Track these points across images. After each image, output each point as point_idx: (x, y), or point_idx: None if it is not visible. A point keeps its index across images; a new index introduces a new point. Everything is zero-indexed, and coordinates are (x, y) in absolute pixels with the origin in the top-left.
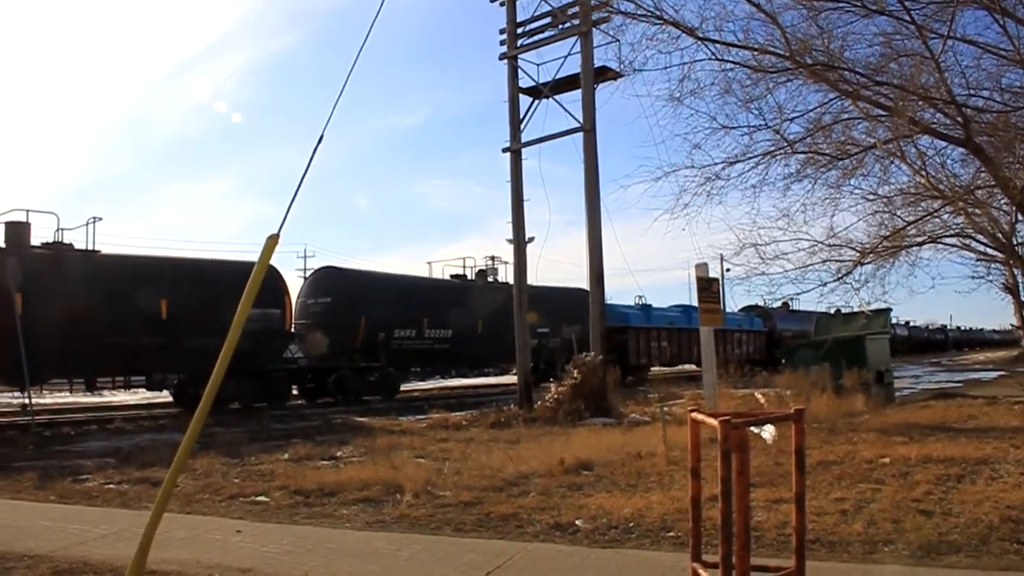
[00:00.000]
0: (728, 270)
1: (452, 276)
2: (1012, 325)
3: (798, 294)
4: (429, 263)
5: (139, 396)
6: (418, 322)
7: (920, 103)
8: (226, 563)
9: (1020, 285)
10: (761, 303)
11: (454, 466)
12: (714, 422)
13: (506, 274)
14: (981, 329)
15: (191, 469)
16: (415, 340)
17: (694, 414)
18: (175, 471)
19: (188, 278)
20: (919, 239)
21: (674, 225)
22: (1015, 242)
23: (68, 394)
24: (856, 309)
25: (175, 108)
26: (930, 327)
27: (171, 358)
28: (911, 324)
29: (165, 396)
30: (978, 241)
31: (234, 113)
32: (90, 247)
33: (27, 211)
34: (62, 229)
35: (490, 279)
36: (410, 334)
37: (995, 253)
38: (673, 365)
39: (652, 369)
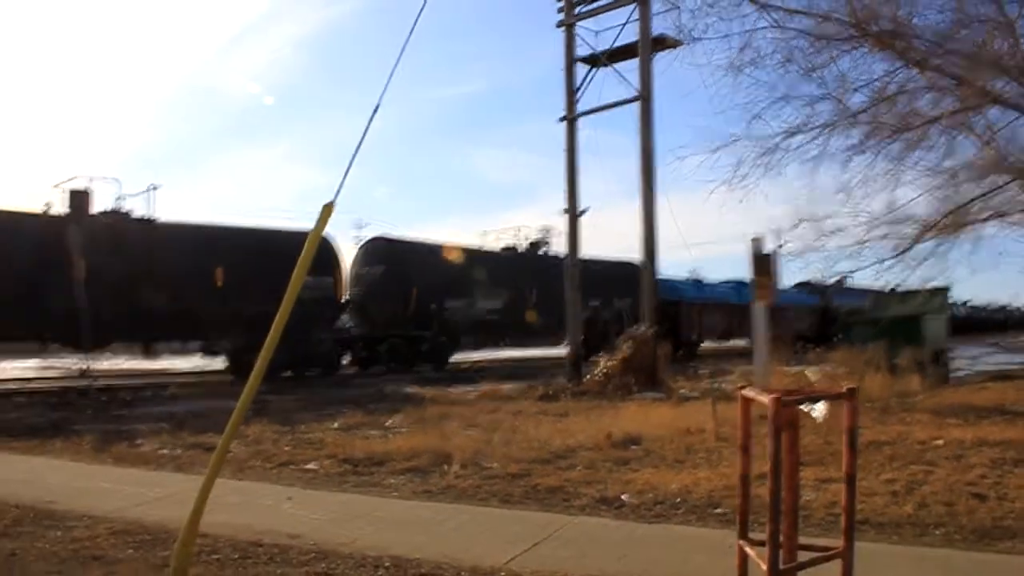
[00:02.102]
0: (783, 244)
1: (505, 247)
2: None
3: (855, 270)
4: (483, 233)
5: (194, 363)
6: (469, 292)
7: (991, 72)
8: (276, 528)
9: None
10: (816, 279)
11: (503, 437)
12: (765, 399)
13: (559, 245)
14: None
15: (243, 436)
16: (466, 310)
17: (744, 391)
18: (228, 437)
19: (244, 246)
20: (984, 215)
21: (731, 198)
22: None
23: (126, 360)
24: (914, 287)
25: (234, 76)
26: (990, 307)
27: (226, 325)
28: (970, 303)
29: (220, 363)
30: None
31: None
32: (149, 214)
33: (90, 178)
34: (123, 196)
35: (542, 250)
36: (461, 304)
37: None
38: (725, 340)
39: (703, 344)
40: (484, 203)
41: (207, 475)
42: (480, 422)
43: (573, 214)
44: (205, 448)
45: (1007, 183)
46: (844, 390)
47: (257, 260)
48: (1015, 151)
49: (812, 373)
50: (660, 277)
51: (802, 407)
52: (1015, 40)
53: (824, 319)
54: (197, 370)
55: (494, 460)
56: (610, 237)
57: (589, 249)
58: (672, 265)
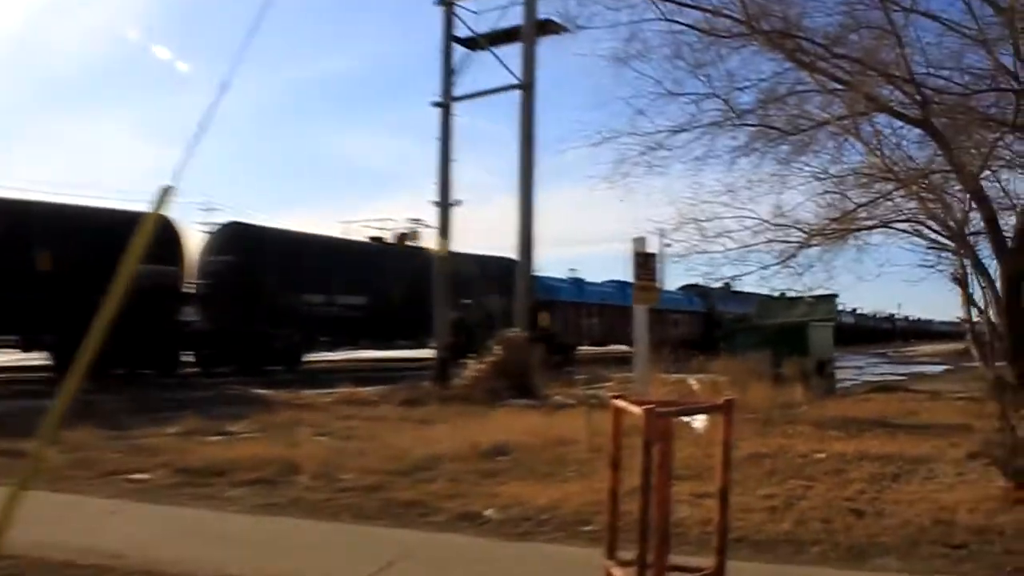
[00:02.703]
0: (668, 246)
1: (370, 239)
2: (958, 318)
3: (739, 276)
4: (347, 223)
5: (14, 357)
6: (329, 287)
7: (879, 79)
8: (96, 547)
9: (969, 277)
10: (702, 283)
11: (359, 446)
12: (638, 410)
13: (430, 239)
14: (929, 320)
15: (63, 441)
16: (325, 306)
17: (616, 401)
18: (43, 442)
19: (74, 227)
20: (869, 222)
21: (612, 195)
22: (967, 231)
23: None
24: (801, 294)
25: (73, 32)
26: (877, 316)
27: (50, 315)
28: (858, 312)
29: (46, 358)
30: (930, 228)
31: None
32: None
33: None
34: None
35: (411, 244)
36: (319, 299)
37: (946, 242)
38: (604, 345)
39: (581, 348)
40: (350, 191)
41: (15, 486)
42: (335, 429)
43: (445, 206)
44: (14, 455)
45: (891, 192)
46: (722, 401)
47: (90, 243)
48: (900, 160)
49: (694, 382)
50: (537, 275)
51: (683, 419)
52: (901, 49)
53: (709, 325)
54: (14, 365)
55: (348, 471)
56: (486, 233)
57: (463, 244)
58: (551, 264)
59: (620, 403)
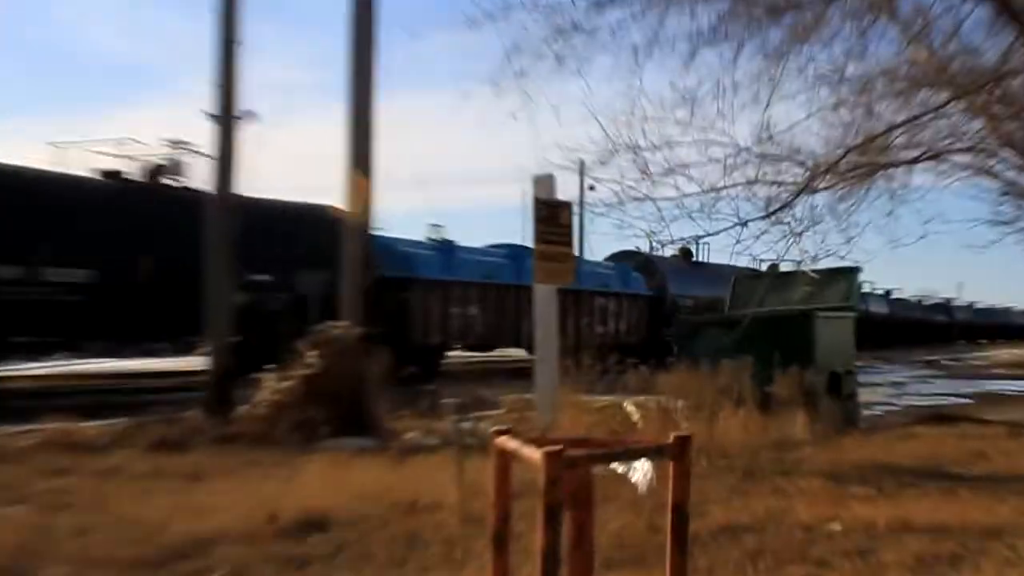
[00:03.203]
0: (591, 188)
1: (102, 173)
2: None
3: (703, 237)
4: (60, 145)
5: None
6: (27, 253)
7: None
8: None
9: None
10: (644, 249)
11: (77, 522)
12: (537, 454)
13: (200, 173)
14: (1007, 309)
15: None
16: (22, 286)
17: (503, 439)
18: None
19: None
20: (909, 153)
21: (500, 108)
22: None
23: None
24: (801, 267)
25: None
26: (925, 302)
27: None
28: (895, 295)
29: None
30: (1006, 162)
31: None
32: None
33: None
34: None
35: (172, 182)
36: (12, 274)
37: None
38: (488, 348)
39: (452, 354)
40: (77, 91)
41: None
42: (35, 493)
43: (227, 120)
44: None
45: (945, 104)
46: (671, 440)
47: None
48: (959, 54)
49: (633, 408)
50: (381, 237)
51: (613, 467)
52: None
53: (657, 316)
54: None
55: (58, 564)
56: (296, 166)
57: (257, 184)
58: (405, 219)
59: (510, 443)
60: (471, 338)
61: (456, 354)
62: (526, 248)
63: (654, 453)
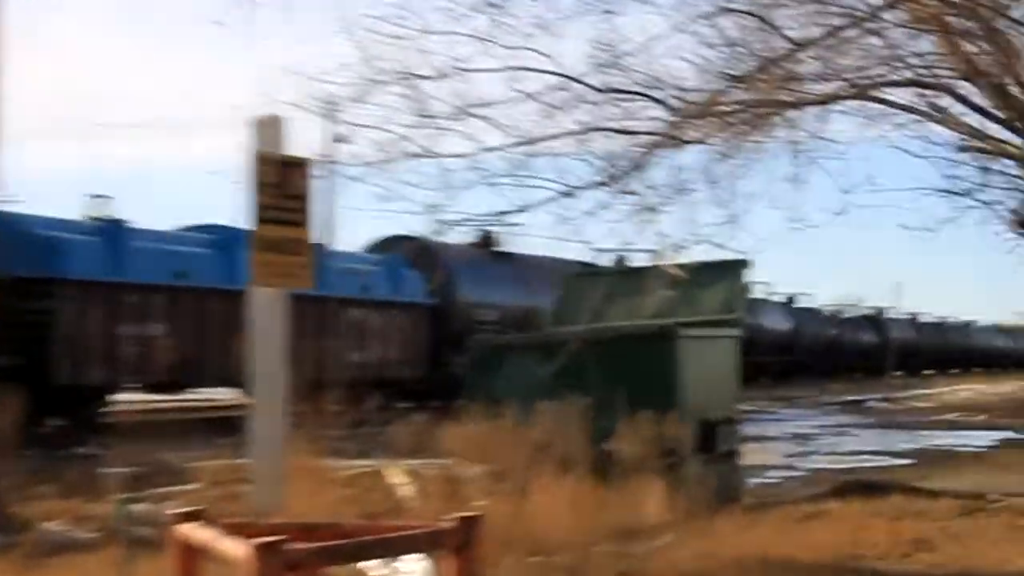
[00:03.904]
0: (343, 139)
1: None
2: None
3: (513, 213)
4: None
5: None
6: None
7: None
8: None
9: None
10: (424, 233)
11: None
12: (240, 550)
13: None
14: (966, 324)
15: None
16: None
17: (188, 528)
18: None
19: None
20: (824, 88)
21: (200, 16)
22: None
23: None
24: (659, 259)
25: None
26: (847, 313)
27: None
28: (799, 303)
29: None
30: (968, 104)
31: None
32: None
33: None
34: None
35: None
36: None
37: (1009, 137)
38: (180, 388)
39: (122, 397)
40: None
41: None
42: None
43: None
44: None
45: (877, 11)
46: (453, 523)
47: None
48: None
49: (399, 476)
50: (6, 213)
51: (368, 570)
52: None
53: (441, 335)
54: None
55: None
56: None
57: None
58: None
59: (199, 533)
60: (153, 373)
61: (129, 397)
62: (240, 232)
63: (427, 545)
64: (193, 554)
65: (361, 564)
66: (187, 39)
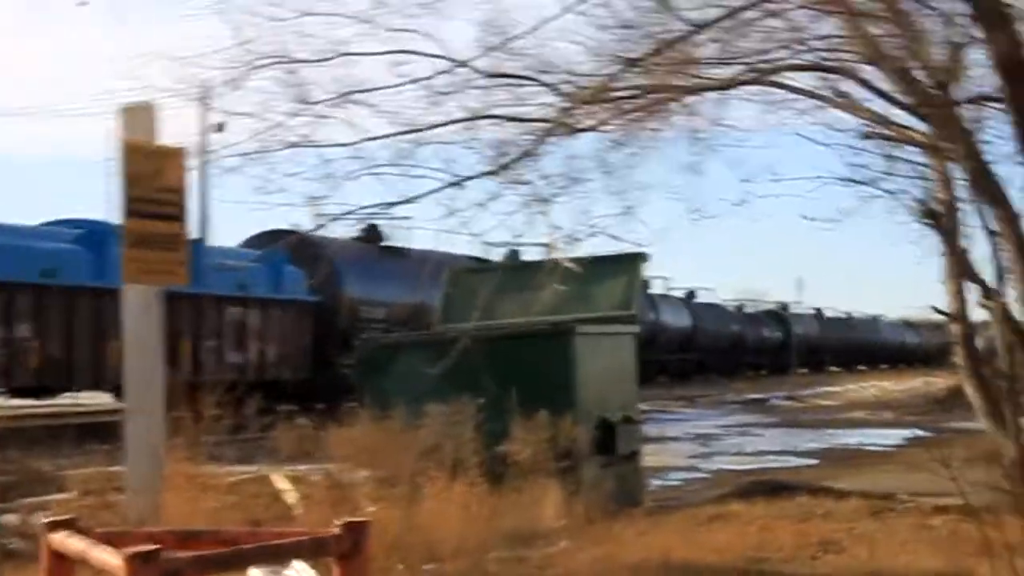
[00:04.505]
0: (219, 128)
1: None
2: (936, 310)
3: (399, 204)
4: None
5: None
6: None
7: None
8: None
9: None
10: (305, 227)
11: None
12: (114, 560)
13: None
14: (873, 319)
15: None
16: None
17: (60, 537)
18: None
19: None
20: (723, 73)
21: None
22: (953, 96)
23: None
24: (551, 252)
25: None
26: (749, 308)
27: None
28: (699, 299)
29: None
30: (870, 87)
31: None
32: None
33: None
34: None
35: None
36: None
37: (915, 123)
38: (50, 392)
39: None
40: None
41: None
42: None
43: None
44: None
45: None
46: (340, 529)
47: None
48: None
49: (283, 483)
50: None
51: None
52: None
53: (325, 335)
54: None
55: None
56: None
57: None
58: None
59: (72, 543)
60: (19, 376)
61: None
62: (111, 227)
63: (312, 552)
64: (66, 565)
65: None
66: (50, 18)
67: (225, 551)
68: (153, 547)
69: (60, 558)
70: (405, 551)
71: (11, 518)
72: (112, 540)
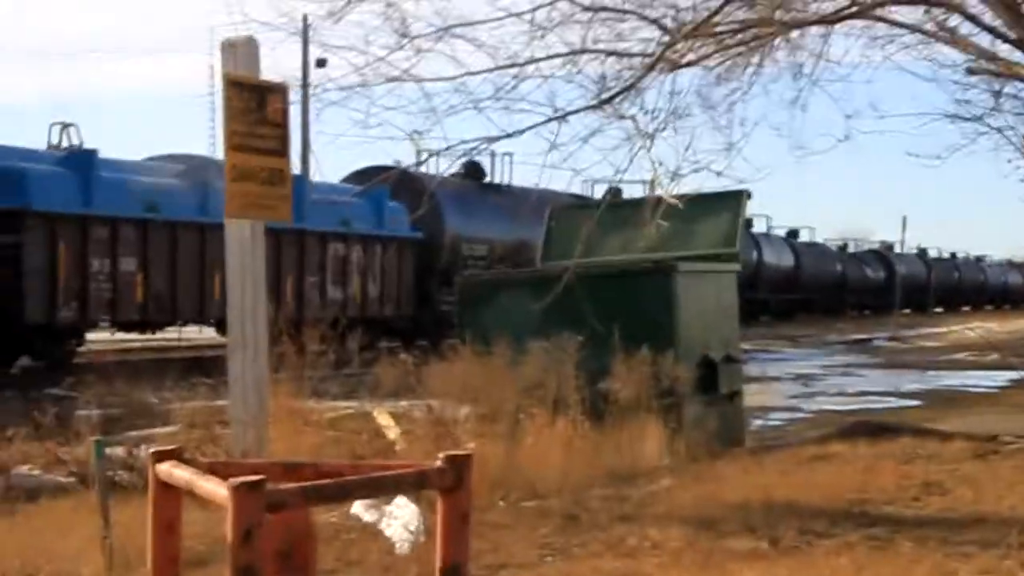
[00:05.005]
0: (320, 64)
1: None
2: None
3: (501, 139)
4: None
5: None
6: None
7: None
8: None
9: None
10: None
11: None
12: (220, 490)
13: None
14: (977, 260)
15: None
16: None
17: (168, 467)
18: None
19: None
20: (826, 7)
21: None
22: None
23: None
24: (654, 189)
25: None
26: (850, 248)
27: None
28: (802, 238)
29: None
30: (976, 22)
31: None
32: None
33: None
34: None
35: None
36: None
37: (1020, 59)
38: (156, 326)
39: (95, 336)
40: None
41: None
42: None
43: None
44: None
45: None
46: (439, 464)
47: None
48: None
49: (387, 419)
50: None
51: (357, 513)
52: None
53: (427, 272)
54: None
55: None
56: None
57: None
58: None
59: (179, 473)
60: (126, 311)
61: (102, 336)
62: (215, 162)
63: (415, 485)
64: (172, 495)
65: (352, 510)
66: None
67: (329, 482)
68: (258, 477)
69: (166, 488)
70: (506, 488)
71: (118, 450)
72: (217, 471)
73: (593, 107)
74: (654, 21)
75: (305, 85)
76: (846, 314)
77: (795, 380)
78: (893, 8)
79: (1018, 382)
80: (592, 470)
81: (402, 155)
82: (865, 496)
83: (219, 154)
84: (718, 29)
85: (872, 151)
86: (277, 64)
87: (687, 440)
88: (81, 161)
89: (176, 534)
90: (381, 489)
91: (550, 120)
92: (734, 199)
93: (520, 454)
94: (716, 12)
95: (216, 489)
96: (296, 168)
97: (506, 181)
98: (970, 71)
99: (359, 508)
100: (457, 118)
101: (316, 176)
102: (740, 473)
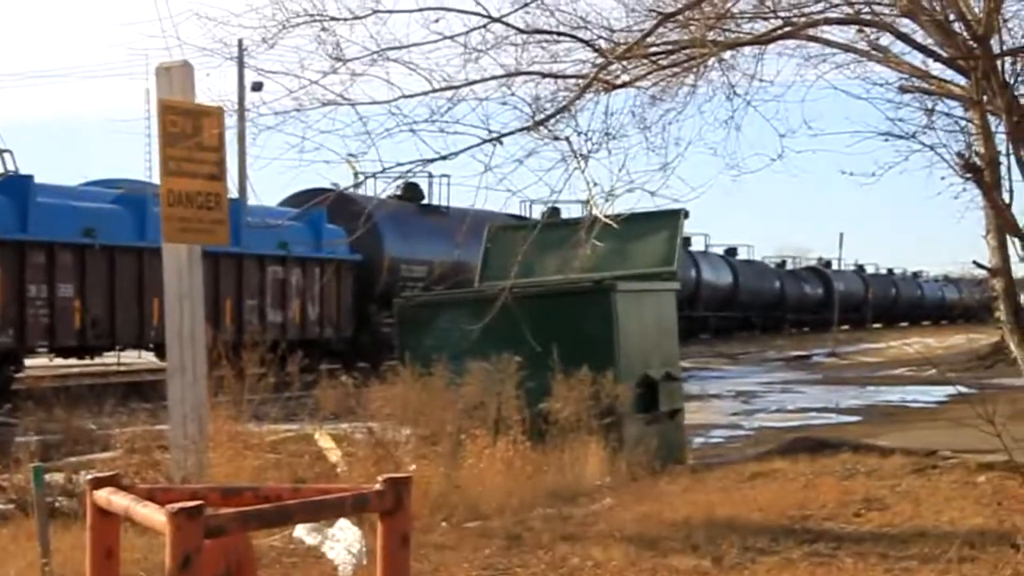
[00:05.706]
0: (256, 87)
1: None
2: (977, 265)
3: (437, 161)
4: None
5: None
6: None
7: None
8: None
9: (1006, 162)
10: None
11: None
12: (157, 516)
13: None
14: (915, 274)
15: None
16: None
17: (105, 493)
18: None
19: None
20: (759, 27)
21: None
22: (996, 45)
23: None
24: (590, 209)
25: None
26: (787, 265)
27: None
28: (740, 256)
29: None
30: (908, 40)
31: None
32: None
33: None
34: None
35: None
36: None
37: (956, 76)
38: (95, 352)
39: (33, 363)
40: None
41: None
42: None
43: None
44: None
45: None
46: (379, 487)
47: None
48: None
49: (326, 441)
50: None
51: (299, 536)
52: None
53: (366, 293)
54: None
55: None
56: None
57: None
58: None
59: (116, 499)
60: (65, 336)
61: (40, 363)
62: (152, 187)
63: (354, 508)
64: (111, 522)
65: (295, 533)
66: None
67: (268, 507)
68: (197, 503)
69: (105, 515)
70: (449, 509)
71: (57, 477)
72: (156, 497)
73: (528, 128)
74: (588, 43)
75: (241, 109)
76: (785, 331)
77: (735, 397)
78: (826, 28)
79: (955, 397)
80: (534, 490)
81: (339, 178)
82: (807, 512)
83: (156, 179)
84: (652, 50)
85: (808, 169)
86: (212, 88)
87: (628, 459)
88: (17, 186)
89: (115, 560)
90: (321, 513)
91: (485, 142)
92: (672, 218)
93: (462, 475)
94: (649, 33)
95: (154, 515)
96: (233, 192)
97: (444, 203)
98: (903, 89)
99: (301, 531)
100: (393, 141)
101: (253, 200)
102: (682, 491)
